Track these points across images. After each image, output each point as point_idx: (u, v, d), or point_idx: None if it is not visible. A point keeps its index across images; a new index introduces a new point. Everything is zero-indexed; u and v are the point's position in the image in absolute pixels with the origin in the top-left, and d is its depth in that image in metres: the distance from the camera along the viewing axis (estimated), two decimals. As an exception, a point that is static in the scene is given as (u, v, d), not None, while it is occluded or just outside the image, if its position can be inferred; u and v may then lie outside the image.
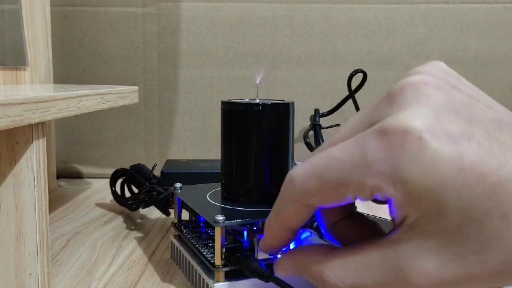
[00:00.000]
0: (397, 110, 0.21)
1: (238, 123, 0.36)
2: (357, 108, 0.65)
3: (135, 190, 0.52)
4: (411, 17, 0.69)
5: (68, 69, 0.69)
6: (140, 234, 0.47)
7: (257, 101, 0.36)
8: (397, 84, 0.23)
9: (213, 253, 0.32)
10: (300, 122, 0.69)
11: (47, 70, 0.60)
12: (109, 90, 0.42)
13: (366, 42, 0.69)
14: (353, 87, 0.63)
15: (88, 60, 0.69)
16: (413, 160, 0.20)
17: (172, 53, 0.69)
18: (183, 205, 0.39)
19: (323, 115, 0.67)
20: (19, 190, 0.30)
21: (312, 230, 0.32)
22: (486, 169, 0.20)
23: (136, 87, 0.50)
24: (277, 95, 0.69)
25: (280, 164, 0.36)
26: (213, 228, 0.32)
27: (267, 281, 0.29)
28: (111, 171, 0.54)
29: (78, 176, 0.71)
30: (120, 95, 0.45)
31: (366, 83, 0.62)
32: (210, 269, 0.32)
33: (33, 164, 0.30)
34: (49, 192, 0.32)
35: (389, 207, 0.22)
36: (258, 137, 0.35)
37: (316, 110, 0.68)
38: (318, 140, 0.65)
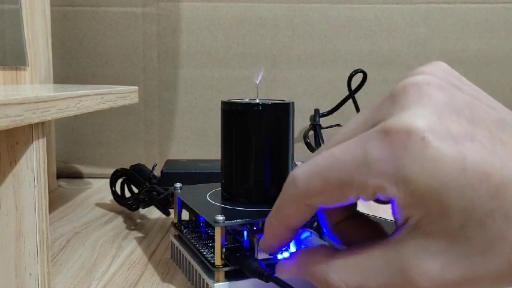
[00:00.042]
0: (399, 110, 0.21)
1: (238, 123, 0.36)
2: (357, 108, 0.65)
3: (135, 190, 0.52)
4: (412, 17, 0.69)
5: (68, 69, 0.69)
6: (140, 234, 0.47)
7: (257, 101, 0.36)
8: (399, 84, 0.22)
9: (213, 253, 0.32)
10: (300, 122, 0.69)
11: (47, 70, 0.60)
12: (109, 90, 0.42)
13: (366, 42, 0.69)
14: (353, 87, 0.63)
15: (88, 60, 0.69)
16: (416, 160, 0.20)
17: (172, 53, 0.69)
18: (183, 205, 0.39)
19: (323, 115, 0.67)
20: (19, 190, 0.30)
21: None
22: (489, 169, 0.19)
23: (136, 87, 0.50)
24: (277, 95, 0.69)
25: (280, 164, 0.36)
26: (213, 228, 0.32)
27: (267, 281, 0.29)
28: (111, 171, 0.54)
29: (78, 176, 0.71)
30: (120, 95, 0.45)
31: (366, 83, 0.62)
32: (210, 269, 0.32)
33: (33, 164, 0.30)
34: (49, 192, 0.32)
35: (392, 207, 0.22)
36: (258, 137, 0.35)
37: (316, 110, 0.68)
38: (318, 140, 0.65)
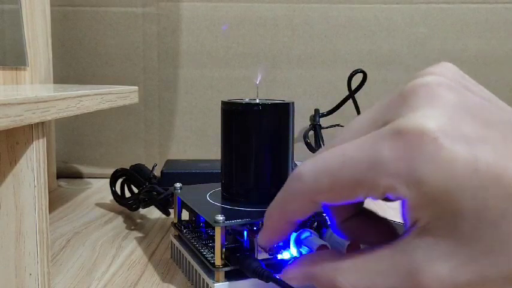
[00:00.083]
0: (410, 110, 0.21)
1: (238, 123, 0.36)
2: (357, 108, 0.65)
3: (135, 190, 0.52)
4: (411, 17, 0.69)
5: (68, 69, 0.69)
6: (140, 234, 0.47)
7: (257, 101, 0.36)
8: (409, 84, 0.22)
9: (213, 253, 0.32)
10: (300, 122, 0.69)
11: (47, 70, 0.60)
12: (109, 90, 0.42)
13: (366, 42, 0.69)
14: (353, 87, 0.63)
15: (88, 60, 0.69)
16: (428, 161, 0.20)
17: (172, 53, 0.69)
18: (183, 205, 0.39)
19: (323, 115, 0.67)
20: (19, 190, 0.30)
21: (312, 230, 0.32)
22: (501, 171, 0.19)
23: (136, 87, 0.50)
24: (277, 95, 0.69)
25: (280, 164, 0.36)
26: (213, 228, 0.32)
27: (267, 281, 0.29)
28: (111, 171, 0.54)
29: (78, 176, 0.71)
30: (120, 95, 0.45)
31: (366, 83, 0.62)
32: (210, 269, 0.32)
33: (33, 164, 0.30)
34: (49, 192, 0.32)
35: (402, 208, 0.21)
36: (258, 137, 0.35)
37: (316, 110, 0.68)
38: (318, 140, 0.65)
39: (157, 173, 0.53)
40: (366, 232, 0.26)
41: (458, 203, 0.20)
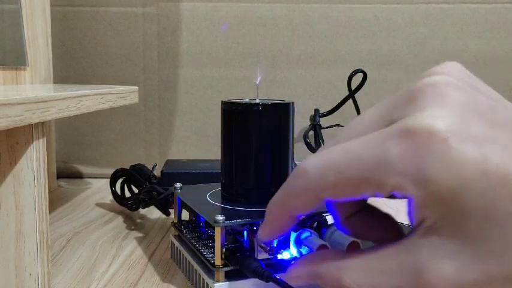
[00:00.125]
0: (418, 110, 0.21)
1: (238, 123, 0.36)
2: (357, 108, 0.65)
3: (135, 190, 0.52)
4: (411, 17, 0.69)
5: (68, 69, 0.69)
6: (140, 234, 0.47)
7: (257, 101, 0.36)
8: (417, 83, 0.22)
9: (213, 253, 0.32)
10: (300, 122, 0.69)
11: (47, 70, 0.60)
12: (109, 90, 0.42)
13: (366, 42, 0.69)
14: (353, 87, 0.63)
15: (88, 60, 0.69)
16: (437, 161, 0.20)
17: (172, 53, 0.69)
18: (183, 205, 0.39)
19: (323, 115, 0.67)
20: (19, 190, 0.30)
21: (312, 230, 0.32)
22: (509, 171, 0.19)
23: (136, 87, 0.50)
24: (277, 95, 0.69)
25: (280, 164, 0.36)
26: (213, 228, 0.32)
27: (267, 281, 0.29)
28: (111, 171, 0.54)
29: (78, 176, 0.71)
30: (120, 95, 0.45)
31: (366, 83, 0.62)
32: (210, 269, 0.32)
33: (33, 164, 0.30)
34: (49, 192, 0.32)
35: (408, 207, 0.21)
36: (258, 137, 0.35)
37: (316, 110, 0.68)
38: (318, 140, 0.65)
39: (157, 173, 0.53)
40: (370, 228, 0.26)
41: (466, 202, 0.20)
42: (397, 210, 0.28)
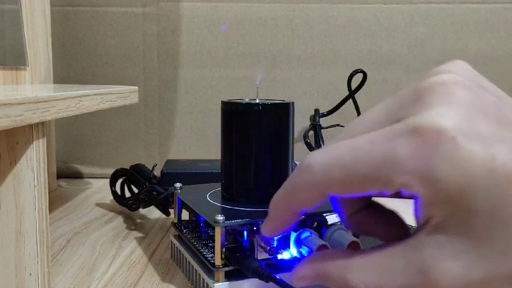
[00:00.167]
0: (426, 108, 0.21)
1: (238, 123, 0.36)
2: (357, 108, 0.65)
3: (135, 190, 0.52)
4: (411, 17, 0.69)
5: (68, 69, 0.69)
6: (140, 234, 0.47)
7: (257, 101, 0.36)
8: (424, 82, 0.22)
9: (213, 253, 0.32)
10: (300, 122, 0.69)
11: (47, 70, 0.60)
12: (109, 90, 0.42)
13: (366, 42, 0.69)
14: (353, 87, 0.63)
15: (88, 60, 0.69)
16: (446, 160, 0.20)
17: (172, 53, 0.69)
18: (183, 205, 0.39)
19: (323, 115, 0.67)
20: (19, 190, 0.30)
21: (312, 230, 0.32)
22: None
23: (136, 87, 0.50)
24: (277, 95, 0.69)
25: (280, 164, 0.36)
26: (213, 228, 0.32)
27: (267, 281, 0.29)
28: (111, 171, 0.54)
29: (78, 176, 0.71)
30: (120, 95, 0.45)
31: (366, 83, 0.62)
32: (210, 269, 0.32)
33: (33, 164, 0.30)
34: (49, 192, 0.32)
35: (415, 205, 0.22)
36: (258, 137, 0.35)
37: (316, 110, 0.68)
38: (318, 140, 0.65)
39: (157, 173, 0.53)
40: (375, 225, 0.26)
41: (473, 201, 0.20)
42: (403, 212, 0.28)
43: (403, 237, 0.25)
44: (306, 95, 0.70)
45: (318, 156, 0.23)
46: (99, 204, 0.57)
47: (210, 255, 0.33)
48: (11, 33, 0.52)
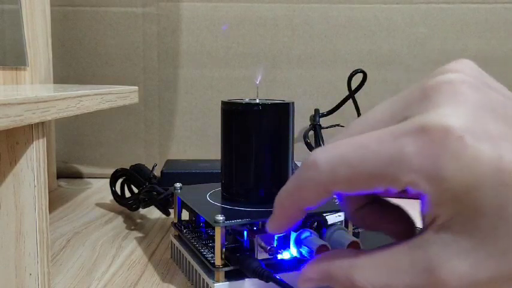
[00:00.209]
0: (433, 107, 0.21)
1: (238, 123, 0.36)
2: (357, 108, 0.65)
3: (135, 190, 0.52)
4: (411, 17, 0.69)
5: (68, 69, 0.69)
6: (140, 234, 0.47)
7: (257, 101, 0.36)
8: (431, 80, 0.22)
9: (213, 253, 0.32)
10: (300, 122, 0.69)
11: (47, 70, 0.60)
12: (109, 90, 0.42)
13: (366, 42, 0.69)
14: (353, 87, 0.63)
15: (88, 60, 0.69)
16: (453, 159, 0.20)
17: (172, 53, 0.69)
18: (183, 205, 0.39)
19: (323, 115, 0.67)
20: (19, 190, 0.30)
21: (312, 230, 0.32)
22: None
23: (136, 87, 0.50)
24: (277, 95, 0.69)
25: (280, 164, 0.36)
26: (213, 228, 0.32)
27: (267, 281, 0.29)
28: (111, 171, 0.54)
29: (78, 176, 0.71)
30: (120, 95, 0.45)
31: (366, 83, 0.62)
32: (210, 269, 0.32)
33: (33, 164, 0.30)
34: (49, 192, 0.32)
35: (421, 204, 0.22)
36: (258, 137, 0.35)
37: (316, 110, 0.68)
38: (318, 140, 0.65)
39: (157, 173, 0.53)
40: (380, 220, 0.26)
41: (480, 200, 0.20)
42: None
43: (409, 232, 0.25)
44: (306, 95, 0.70)
45: (323, 154, 0.23)
46: (99, 204, 0.57)
47: (210, 255, 0.33)
48: (11, 33, 0.52)
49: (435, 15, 0.69)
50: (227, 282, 0.31)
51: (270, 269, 0.30)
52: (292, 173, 0.37)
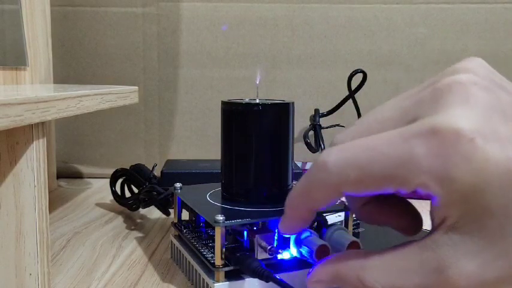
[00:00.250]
0: (445, 108, 0.21)
1: (238, 123, 0.36)
2: (357, 108, 0.65)
3: (135, 190, 0.52)
4: (411, 17, 0.69)
5: (68, 69, 0.69)
6: (140, 234, 0.47)
7: (257, 101, 0.36)
8: (443, 80, 0.22)
9: (213, 253, 0.32)
10: (300, 122, 0.69)
11: (47, 70, 0.60)
12: (109, 90, 0.42)
13: (366, 42, 0.69)
14: (353, 87, 0.63)
15: (88, 60, 0.69)
16: (464, 161, 0.20)
17: (172, 53, 0.69)
18: (183, 205, 0.39)
19: (323, 115, 0.67)
20: (19, 190, 0.30)
21: (312, 230, 0.32)
22: None
23: (136, 87, 0.50)
24: (277, 95, 0.69)
25: (280, 164, 0.36)
26: (213, 228, 0.32)
27: (267, 281, 0.29)
28: (111, 171, 0.54)
29: (78, 176, 0.71)
30: (120, 95, 0.45)
31: (366, 83, 0.62)
32: (210, 269, 0.32)
33: (33, 164, 0.30)
34: (49, 192, 0.32)
35: (431, 206, 0.22)
36: (258, 137, 0.35)
37: (316, 110, 0.68)
38: (318, 140, 0.65)
39: (157, 173, 0.53)
40: (387, 215, 0.26)
41: (489, 201, 0.20)
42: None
43: (415, 226, 0.25)
44: (306, 95, 0.70)
45: (333, 155, 0.23)
46: (99, 204, 0.57)
47: (210, 255, 0.33)
48: (11, 33, 0.52)
49: (435, 15, 0.69)
50: (227, 282, 0.31)
51: (270, 269, 0.30)
52: (292, 173, 0.37)
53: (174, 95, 0.70)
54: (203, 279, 0.33)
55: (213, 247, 0.32)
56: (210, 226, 0.38)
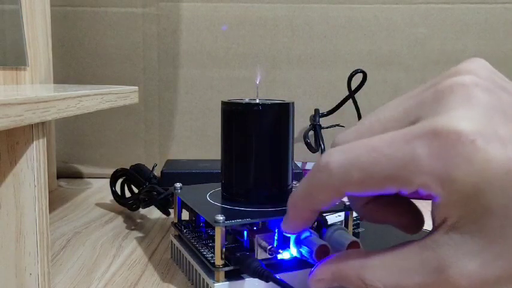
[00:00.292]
0: (447, 110, 0.21)
1: (238, 123, 0.36)
2: (357, 108, 0.65)
3: (135, 190, 0.52)
4: (411, 17, 0.69)
5: (68, 69, 0.69)
6: (140, 234, 0.47)
7: (257, 101, 0.36)
8: (445, 81, 0.23)
9: (213, 253, 0.32)
10: (300, 122, 0.69)
11: (47, 70, 0.60)
12: (109, 90, 0.42)
13: (366, 42, 0.69)
14: (353, 87, 0.63)
15: (88, 60, 0.69)
16: (465, 162, 0.20)
17: (172, 53, 0.69)
18: (183, 205, 0.39)
19: (323, 115, 0.67)
20: (19, 190, 0.30)
21: (311, 230, 0.32)
22: None
23: (136, 87, 0.50)
24: (277, 95, 0.69)
25: (280, 164, 0.36)
26: (213, 228, 0.32)
27: (267, 281, 0.29)
28: (111, 171, 0.54)
29: (78, 176, 0.71)
30: (120, 95, 0.45)
31: (366, 83, 0.62)
32: (210, 269, 0.32)
33: (34, 164, 0.30)
34: (49, 192, 0.32)
35: (432, 206, 0.22)
36: (258, 137, 0.35)
37: (316, 110, 0.68)
38: (318, 140, 0.65)
39: (157, 173, 0.53)
40: (388, 214, 0.26)
41: (489, 201, 0.20)
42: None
43: (417, 224, 0.26)
44: (306, 95, 0.70)
45: (335, 156, 0.23)
46: (99, 204, 0.57)
47: (210, 255, 0.33)
48: (11, 33, 0.52)
49: (435, 15, 0.69)
50: (227, 282, 0.31)
51: (270, 269, 0.30)
52: (292, 173, 0.37)
53: (174, 95, 0.70)
54: (203, 279, 0.33)
55: (213, 247, 0.32)
56: (210, 226, 0.38)
